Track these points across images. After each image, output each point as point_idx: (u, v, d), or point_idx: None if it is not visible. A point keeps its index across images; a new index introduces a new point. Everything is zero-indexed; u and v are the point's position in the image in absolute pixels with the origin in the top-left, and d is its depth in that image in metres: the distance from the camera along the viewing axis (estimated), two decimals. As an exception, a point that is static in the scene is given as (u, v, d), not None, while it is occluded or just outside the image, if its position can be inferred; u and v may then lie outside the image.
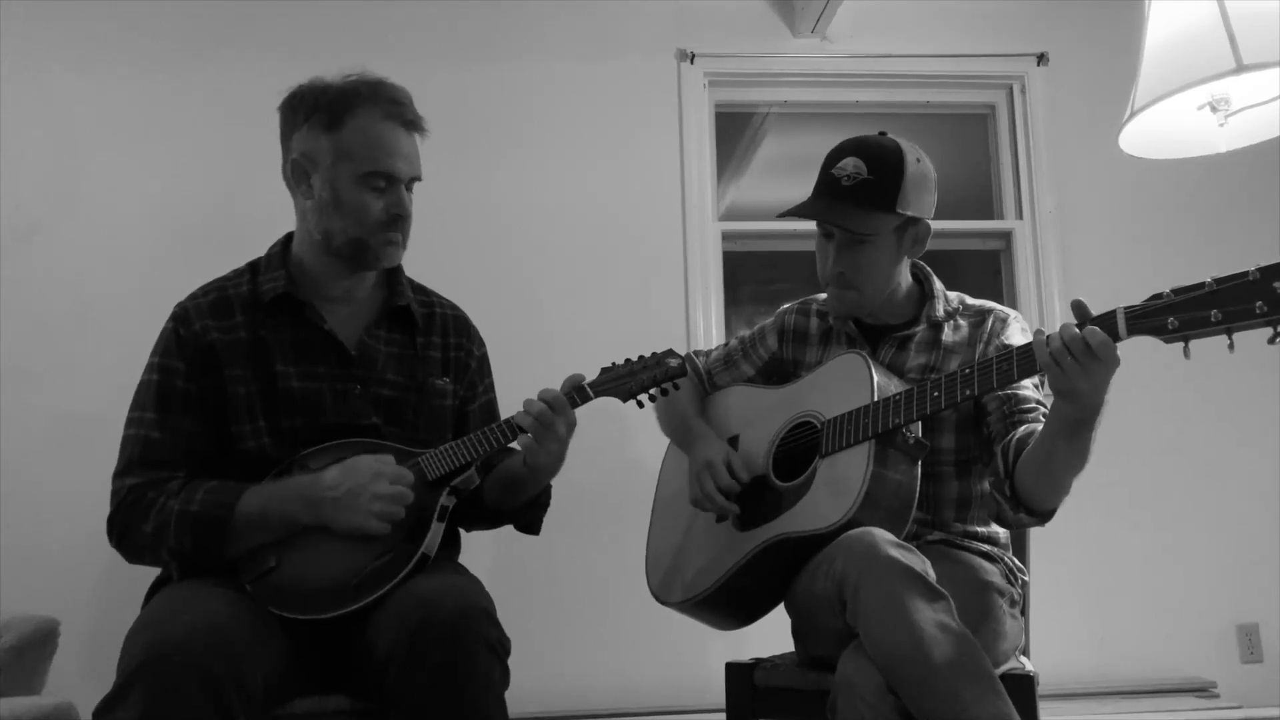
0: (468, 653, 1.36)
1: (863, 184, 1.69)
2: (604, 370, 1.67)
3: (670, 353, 1.67)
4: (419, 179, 1.67)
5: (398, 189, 1.62)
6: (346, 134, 1.59)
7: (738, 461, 1.75)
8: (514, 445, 1.64)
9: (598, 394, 1.64)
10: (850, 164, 1.70)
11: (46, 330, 2.78)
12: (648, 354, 1.67)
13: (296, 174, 1.64)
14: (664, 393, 1.68)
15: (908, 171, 1.71)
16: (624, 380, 1.64)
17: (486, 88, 3.02)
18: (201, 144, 2.90)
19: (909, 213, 1.72)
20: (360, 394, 1.64)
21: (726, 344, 2.03)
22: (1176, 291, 1.25)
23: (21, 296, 2.78)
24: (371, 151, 1.59)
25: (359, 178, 1.59)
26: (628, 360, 1.67)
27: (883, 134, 1.77)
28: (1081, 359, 1.30)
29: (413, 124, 1.64)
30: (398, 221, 1.63)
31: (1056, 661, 2.55)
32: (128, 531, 1.53)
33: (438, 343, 1.76)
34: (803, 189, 1.81)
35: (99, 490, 1.57)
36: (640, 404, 1.67)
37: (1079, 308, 1.34)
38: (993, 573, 1.66)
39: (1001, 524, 1.66)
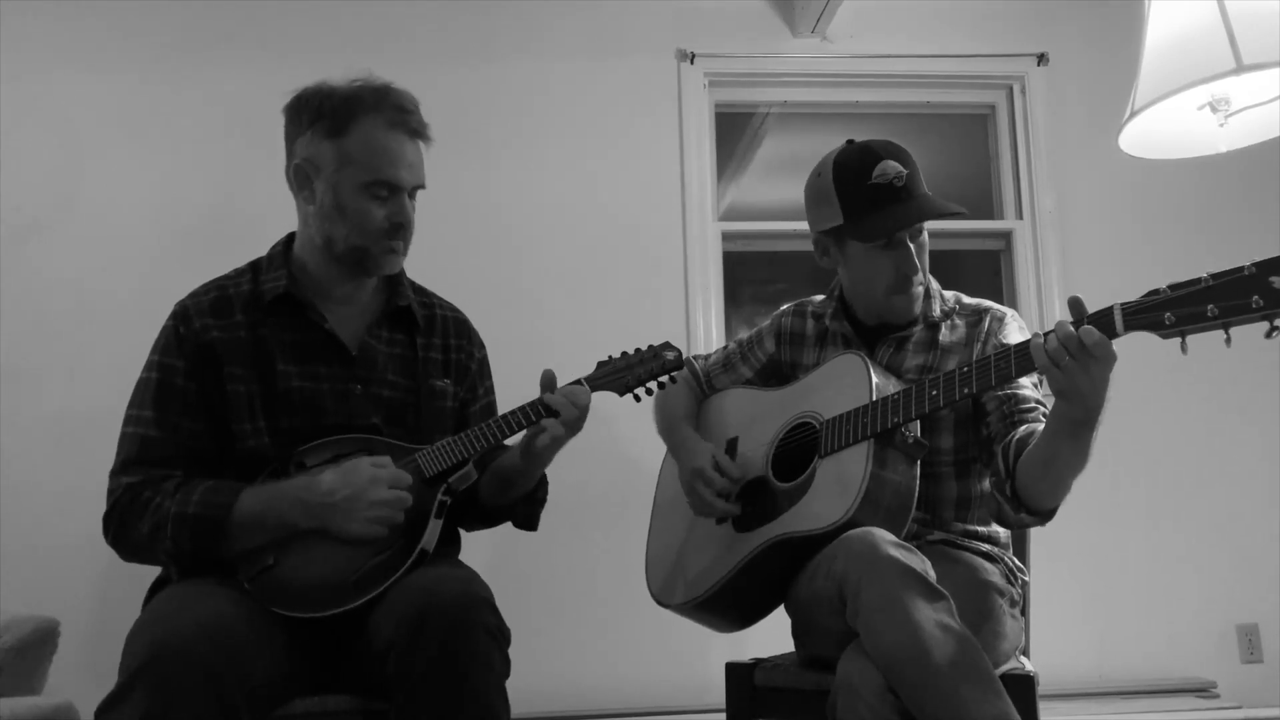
0: (468, 639, 1.36)
1: (910, 178, 1.69)
2: (600, 364, 1.67)
3: (667, 345, 1.67)
4: (422, 187, 1.66)
5: (400, 197, 1.62)
6: (350, 141, 1.58)
7: (726, 461, 1.76)
8: (509, 442, 1.64)
9: (595, 388, 1.64)
10: (890, 167, 1.68)
11: (46, 330, 2.77)
12: (644, 347, 1.67)
13: (299, 178, 1.64)
14: (661, 386, 1.68)
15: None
16: (621, 374, 1.65)
17: (486, 88, 3.02)
18: (202, 144, 2.90)
19: None
20: (361, 394, 1.64)
21: (725, 347, 2.03)
22: (1173, 287, 1.25)
23: (21, 296, 2.78)
24: (375, 160, 1.58)
25: (362, 185, 1.59)
26: (624, 354, 1.68)
27: (850, 141, 1.77)
28: (1079, 358, 1.30)
29: (417, 132, 1.63)
30: (399, 230, 1.63)
31: (1056, 661, 2.54)
32: (124, 530, 1.53)
33: (438, 344, 1.76)
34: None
35: (99, 490, 1.57)
36: (637, 397, 1.68)
37: (1076, 304, 1.33)
38: (993, 573, 1.66)
39: (1003, 524, 1.66)
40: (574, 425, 1.60)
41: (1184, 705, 2.81)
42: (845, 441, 1.61)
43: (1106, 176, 3.14)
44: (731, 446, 1.84)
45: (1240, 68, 1.65)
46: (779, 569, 1.63)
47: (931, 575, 1.41)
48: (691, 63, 3.10)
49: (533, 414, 1.60)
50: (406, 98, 1.64)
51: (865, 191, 1.69)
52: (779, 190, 3.33)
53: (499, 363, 1.88)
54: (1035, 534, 1.82)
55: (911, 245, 1.70)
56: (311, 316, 1.64)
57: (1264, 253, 1.21)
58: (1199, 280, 1.23)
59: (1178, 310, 1.24)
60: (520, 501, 1.73)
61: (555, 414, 1.58)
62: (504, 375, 1.88)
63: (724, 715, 1.76)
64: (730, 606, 1.75)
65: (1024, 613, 1.74)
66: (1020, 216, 3.20)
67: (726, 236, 3.11)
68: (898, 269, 1.72)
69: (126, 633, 1.36)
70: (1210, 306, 1.21)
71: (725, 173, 3.26)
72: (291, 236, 1.73)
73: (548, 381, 1.63)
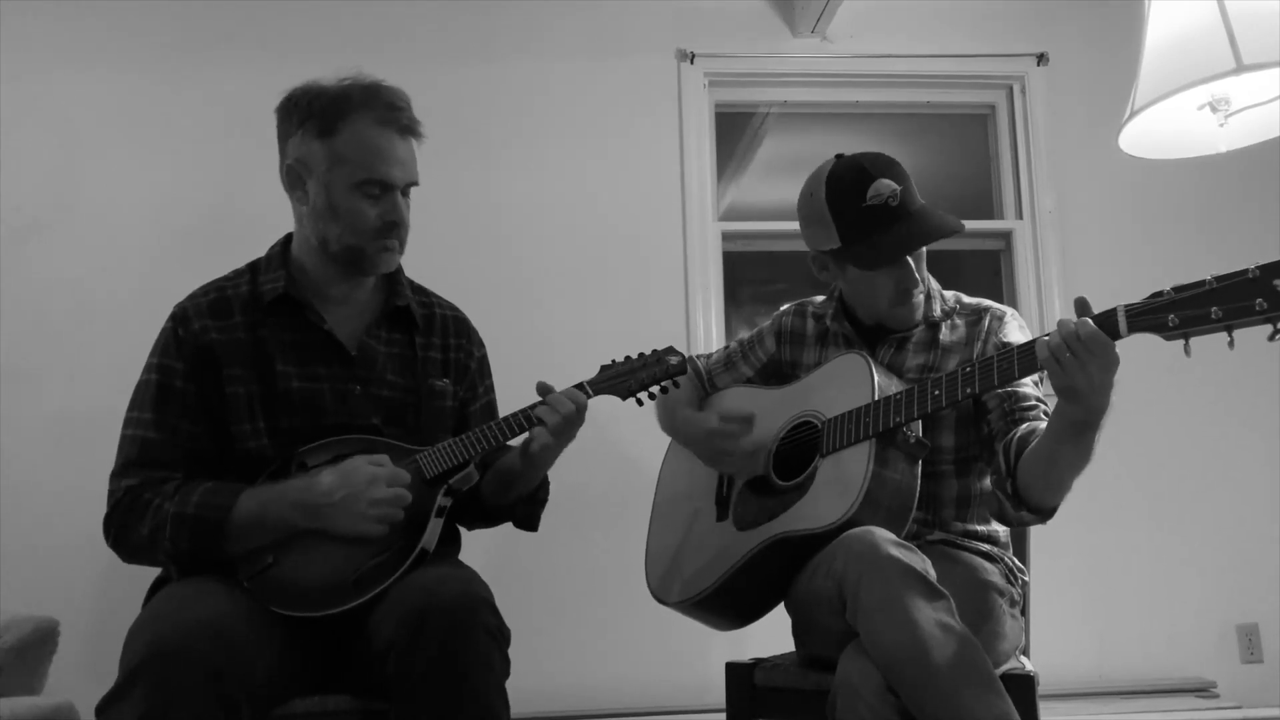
0: (468, 639, 1.36)
1: (904, 194, 1.68)
2: (603, 368, 1.67)
3: (670, 350, 1.66)
4: (415, 184, 1.65)
5: (393, 196, 1.61)
6: (340, 141, 1.57)
7: (729, 418, 1.76)
8: (511, 443, 1.64)
9: (597, 392, 1.64)
10: (884, 186, 1.66)
11: (46, 330, 2.77)
12: (648, 351, 1.67)
13: (292, 179, 1.63)
14: (664, 390, 1.67)
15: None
16: (623, 378, 1.64)
17: (486, 87, 3.02)
18: (201, 144, 2.90)
19: None
20: (361, 394, 1.63)
21: (726, 346, 2.03)
22: (1177, 289, 1.25)
23: (21, 296, 2.78)
24: (366, 158, 1.57)
25: (353, 185, 1.58)
26: (627, 358, 1.67)
27: (839, 156, 1.75)
28: (1077, 353, 1.30)
29: (408, 129, 1.62)
30: (393, 229, 1.62)
31: (1056, 661, 2.54)
32: (124, 532, 1.53)
33: (437, 344, 1.75)
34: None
35: (99, 490, 1.57)
36: (640, 402, 1.67)
37: (1082, 305, 1.34)
38: (993, 573, 1.66)
39: (1003, 522, 1.66)
40: (561, 431, 1.58)
41: (1184, 705, 2.81)
42: (846, 441, 1.61)
43: (1106, 176, 3.14)
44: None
45: (1240, 68, 1.65)
46: (779, 568, 1.63)
47: (932, 575, 1.41)
48: (691, 63, 3.10)
49: (530, 420, 1.59)
50: (397, 95, 1.62)
51: (861, 215, 1.68)
52: (779, 190, 3.32)
53: (499, 363, 1.88)
54: (1035, 534, 1.82)
55: (910, 259, 1.70)
56: (310, 317, 1.63)
57: (1264, 253, 1.21)
58: (1203, 282, 1.23)
59: (1181, 312, 1.24)
60: (521, 502, 1.73)
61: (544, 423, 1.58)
62: (504, 375, 1.88)
63: (724, 715, 1.76)
64: (729, 605, 1.75)
65: (1024, 613, 1.74)
66: (1020, 216, 3.20)
67: (726, 236, 3.11)
68: (898, 285, 1.72)
69: (126, 632, 1.36)
70: (1214, 309, 1.21)
71: (725, 173, 3.26)
72: (289, 237, 1.72)
73: (543, 393, 1.62)
